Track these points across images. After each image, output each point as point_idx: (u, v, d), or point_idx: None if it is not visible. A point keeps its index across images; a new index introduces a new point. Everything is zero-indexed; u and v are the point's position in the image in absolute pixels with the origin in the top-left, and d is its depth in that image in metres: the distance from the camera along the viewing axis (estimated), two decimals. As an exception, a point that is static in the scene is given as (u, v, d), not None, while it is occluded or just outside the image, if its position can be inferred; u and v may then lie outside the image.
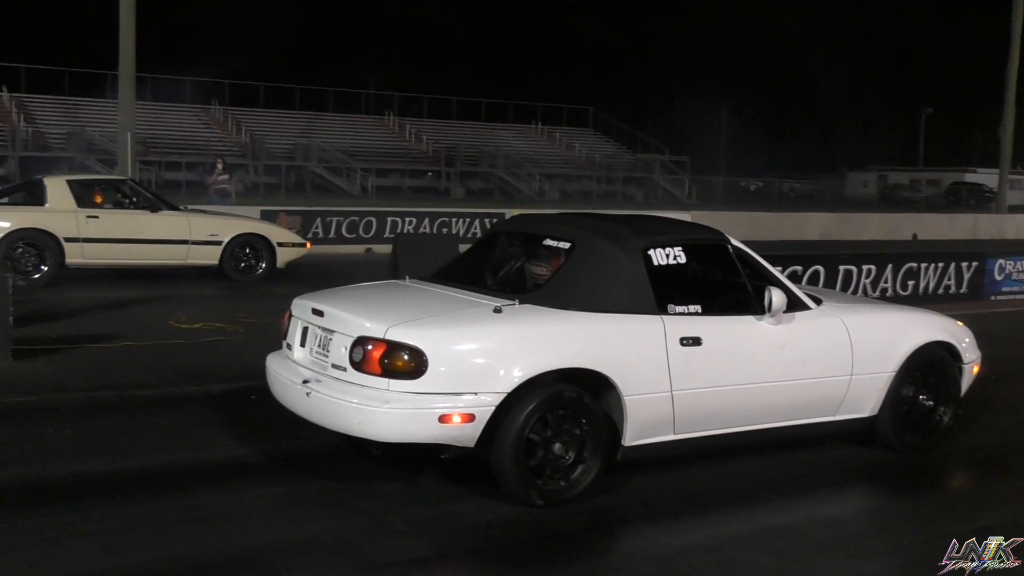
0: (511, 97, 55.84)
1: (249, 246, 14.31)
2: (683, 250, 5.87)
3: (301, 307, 5.92)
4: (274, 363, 5.99)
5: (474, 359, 5.15)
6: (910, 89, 66.35)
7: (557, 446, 5.25)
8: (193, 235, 14.00)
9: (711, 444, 5.87)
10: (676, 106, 65.21)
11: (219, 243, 14.10)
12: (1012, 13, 33.69)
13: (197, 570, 4.45)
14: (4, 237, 12.81)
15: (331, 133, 49.12)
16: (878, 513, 5.73)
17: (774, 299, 5.82)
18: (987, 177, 50.30)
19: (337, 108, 52.18)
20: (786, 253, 14.23)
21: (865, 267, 13.77)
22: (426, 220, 21.62)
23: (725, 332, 5.83)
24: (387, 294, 6.22)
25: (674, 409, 5.55)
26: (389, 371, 5.06)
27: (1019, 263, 15.43)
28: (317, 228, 20.31)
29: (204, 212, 15.47)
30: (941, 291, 14.58)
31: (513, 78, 59.34)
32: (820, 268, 13.29)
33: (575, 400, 5.27)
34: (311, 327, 5.71)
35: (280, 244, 14.54)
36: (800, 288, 6.51)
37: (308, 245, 15.38)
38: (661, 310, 5.61)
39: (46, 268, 13.02)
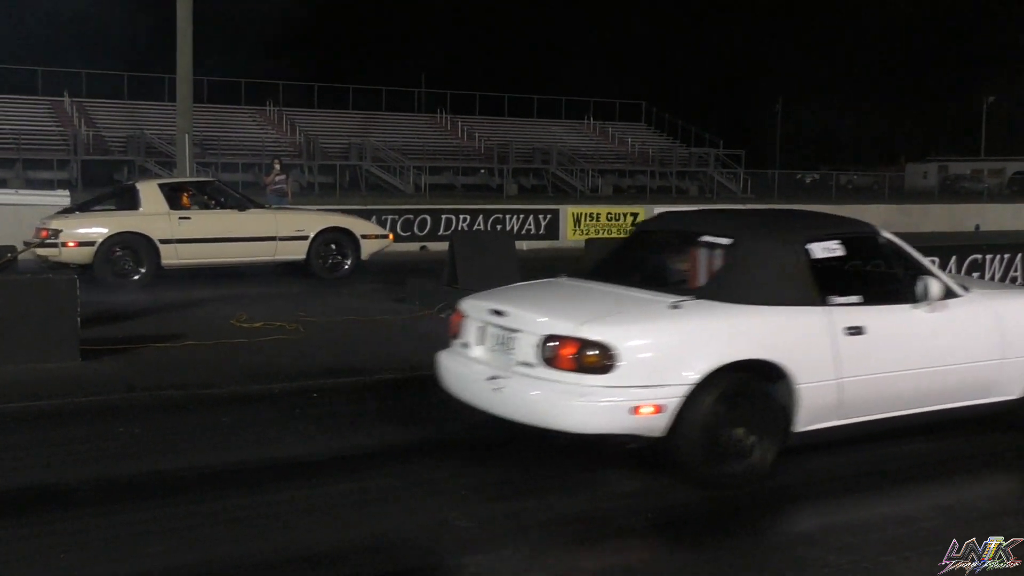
0: (563, 93, 55.80)
1: (334, 240, 14.61)
2: (840, 243, 6.11)
3: (474, 307, 6.18)
4: (450, 360, 6.25)
5: (661, 353, 5.45)
6: (971, 77, 64.96)
7: (738, 432, 5.48)
8: (280, 231, 14.31)
9: (873, 428, 6.10)
10: (731, 99, 64.70)
11: (305, 238, 14.38)
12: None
13: (268, 567, 4.50)
14: (103, 242, 13.17)
15: (384, 132, 49.43)
16: None
17: (931, 287, 6.03)
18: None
19: (390, 107, 52.52)
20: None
21: (928, 258, 13.53)
22: (480, 217, 21.65)
23: (886, 321, 6.04)
24: (560, 293, 6.40)
25: (841, 396, 5.79)
26: (581, 367, 5.32)
27: (1088, 253, 15.03)
28: (373, 227, 20.42)
29: (288, 209, 15.90)
30: (1008, 282, 14.30)
31: (565, 74, 59.23)
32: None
33: (752, 389, 5.55)
34: (489, 326, 5.95)
35: (364, 236, 14.85)
36: (949, 276, 6.72)
37: (391, 237, 15.70)
38: (824, 302, 5.84)
39: (144, 270, 13.37)
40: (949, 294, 6.22)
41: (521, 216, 22.15)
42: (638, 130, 57.65)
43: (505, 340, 5.77)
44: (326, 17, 55.90)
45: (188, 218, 13.82)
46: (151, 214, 13.57)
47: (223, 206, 14.45)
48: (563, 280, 6.68)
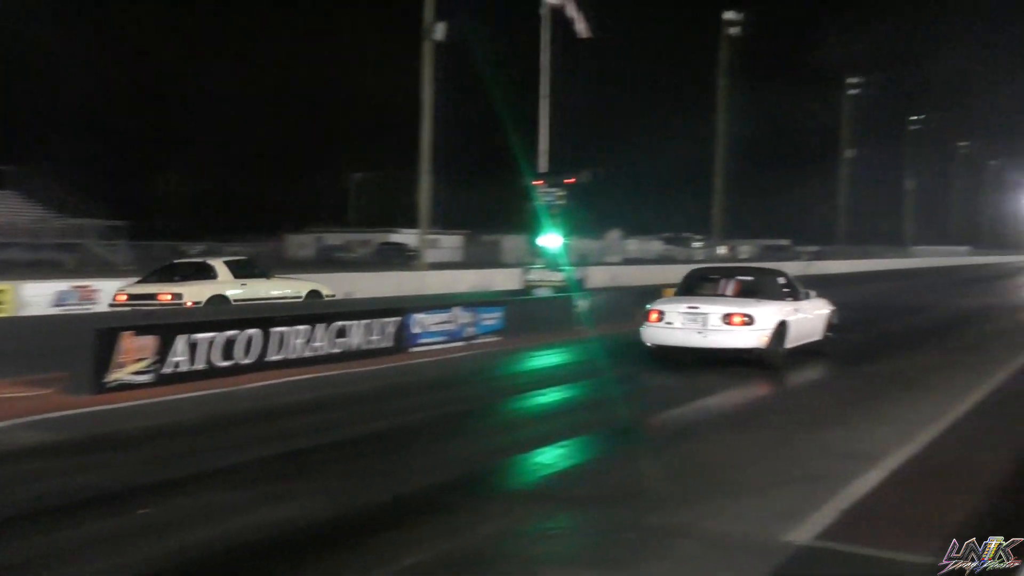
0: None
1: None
2: (784, 277, 16.15)
3: (671, 308, 14.71)
4: (660, 331, 14.67)
5: (764, 317, 14.19)
6: (341, 153, 70.65)
7: (782, 347, 14.58)
8: (288, 293, 20.33)
9: (802, 349, 15.60)
10: (120, 168, 62.85)
11: (299, 297, 20.43)
12: (420, 86, 36.60)
13: None
14: (206, 302, 18.20)
15: None
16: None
17: (809, 293, 16.20)
18: (410, 237, 54.96)
19: None
20: (214, 319, 14.42)
21: (301, 327, 14.53)
22: None
23: (805, 306, 15.78)
24: (704, 300, 14.87)
25: (792, 331, 14.96)
26: (743, 324, 14.05)
27: (433, 315, 17.25)
28: None
29: (283, 277, 21.48)
30: (369, 346, 15.79)
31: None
32: (257, 331, 13.77)
33: (784, 328, 14.62)
34: (683, 314, 14.39)
35: (328, 296, 21.25)
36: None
37: (335, 295, 21.87)
38: (785, 299, 15.37)
39: None
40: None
41: None
42: (6, 199, 53.29)
43: (697, 318, 14.20)
44: None
45: (245, 284, 19.41)
46: (225, 281, 19.12)
47: (255, 275, 19.96)
48: (682, 298, 15.14)
